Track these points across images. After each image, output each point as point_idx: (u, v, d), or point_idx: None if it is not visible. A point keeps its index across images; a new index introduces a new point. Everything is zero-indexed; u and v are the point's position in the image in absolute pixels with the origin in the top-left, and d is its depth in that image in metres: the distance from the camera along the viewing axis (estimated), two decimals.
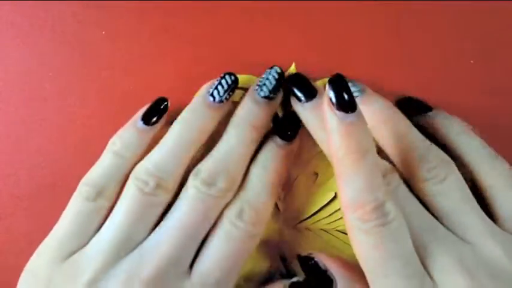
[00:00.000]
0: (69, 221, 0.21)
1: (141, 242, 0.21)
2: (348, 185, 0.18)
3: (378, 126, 0.22)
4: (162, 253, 0.20)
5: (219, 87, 0.22)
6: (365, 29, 0.26)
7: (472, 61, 0.25)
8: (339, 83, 0.18)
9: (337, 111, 0.18)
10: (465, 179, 0.22)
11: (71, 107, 0.26)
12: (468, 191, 0.21)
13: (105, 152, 0.23)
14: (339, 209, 0.25)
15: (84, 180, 0.22)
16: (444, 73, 0.26)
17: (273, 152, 0.22)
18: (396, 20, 0.26)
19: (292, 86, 0.23)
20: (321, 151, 0.24)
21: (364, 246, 0.19)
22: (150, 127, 0.23)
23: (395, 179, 0.21)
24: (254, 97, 0.22)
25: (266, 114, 0.22)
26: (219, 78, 0.23)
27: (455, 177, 0.21)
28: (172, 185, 0.21)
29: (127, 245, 0.20)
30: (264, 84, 0.22)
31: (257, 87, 0.23)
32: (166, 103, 0.24)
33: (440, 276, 0.19)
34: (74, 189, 0.23)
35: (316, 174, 0.25)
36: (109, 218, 0.21)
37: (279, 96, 0.23)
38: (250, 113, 0.22)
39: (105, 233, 0.21)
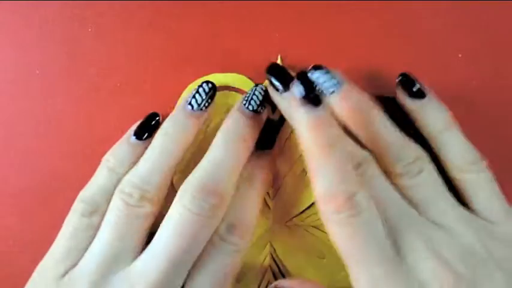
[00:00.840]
0: (66, 238, 0.21)
1: (130, 258, 0.20)
2: (318, 178, 0.19)
3: (354, 120, 0.22)
4: (150, 281, 0.19)
5: (197, 96, 0.23)
6: (354, 23, 0.26)
7: (460, 55, 0.26)
8: (303, 79, 0.19)
9: (303, 106, 0.18)
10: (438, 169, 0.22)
11: (59, 104, 0.26)
12: (441, 183, 0.21)
13: (99, 168, 0.23)
14: None
15: (80, 197, 0.22)
16: (432, 66, 0.26)
17: (257, 163, 0.23)
18: (384, 14, 0.26)
19: (271, 75, 0.22)
20: None
21: (339, 237, 0.19)
22: (142, 142, 0.23)
23: (371, 168, 0.21)
24: (243, 110, 0.22)
25: (255, 128, 0.22)
26: (196, 87, 0.23)
27: (429, 171, 0.21)
28: (158, 197, 0.21)
29: (116, 261, 0.20)
30: (252, 99, 0.23)
31: (244, 101, 0.23)
32: (158, 118, 0.24)
33: (413, 260, 0.19)
34: (62, 188, 0.23)
35: (305, 170, 0.25)
36: (97, 234, 0.21)
37: (265, 113, 0.23)
38: (240, 126, 0.22)
39: (93, 250, 0.21)
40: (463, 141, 0.23)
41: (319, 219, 0.25)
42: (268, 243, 0.26)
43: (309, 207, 0.25)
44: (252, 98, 0.23)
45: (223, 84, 0.25)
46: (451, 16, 0.26)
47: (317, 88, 0.22)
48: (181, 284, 0.20)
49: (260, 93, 0.23)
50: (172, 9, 0.26)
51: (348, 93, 0.22)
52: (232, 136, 0.22)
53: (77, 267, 0.21)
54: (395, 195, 0.21)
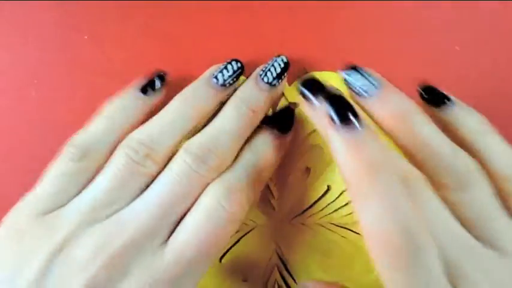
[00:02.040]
0: (51, 180, 0.21)
1: (120, 209, 0.20)
2: (365, 209, 0.16)
3: (396, 126, 0.19)
4: (138, 225, 0.19)
5: (224, 71, 0.22)
6: (352, 19, 0.26)
7: (457, 47, 0.26)
8: (337, 99, 0.17)
9: (341, 128, 0.17)
10: None
11: (58, 113, 0.26)
12: (495, 198, 0.19)
13: (95, 117, 0.22)
14: (333, 202, 0.25)
15: (70, 141, 0.21)
16: (430, 59, 0.26)
17: (268, 140, 0.22)
18: (382, 10, 0.26)
19: (303, 87, 0.19)
20: (312, 145, 0.25)
21: (392, 282, 0.16)
22: (147, 96, 0.23)
23: (425, 190, 0.18)
24: (257, 81, 0.22)
25: (267, 101, 0.22)
26: (225, 63, 0.23)
27: (483, 185, 0.19)
28: (162, 159, 0.21)
29: (106, 210, 0.20)
30: (269, 70, 0.22)
31: (261, 72, 0.22)
32: (165, 76, 0.23)
33: None
34: None
35: (309, 168, 0.25)
36: (93, 181, 0.20)
37: (282, 86, 0.23)
38: (251, 96, 0.22)
39: (86, 194, 0.20)
40: (508, 148, 0.20)
41: (323, 217, 0.25)
42: (274, 242, 0.26)
43: (313, 205, 0.25)
44: (269, 70, 0.22)
45: None
46: (448, 9, 0.26)
47: (354, 90, 0.20)
48: (165, 238, 0.20)
49: (279, 65, 0.23)
50: (168, 12, 0.26)
51: (389, 96, 0.20)
52: (240, 104, 0.21)
53: (64, 208, 0.20)
54: (453, 223, 0.18)
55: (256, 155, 0.22)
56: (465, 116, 0.21)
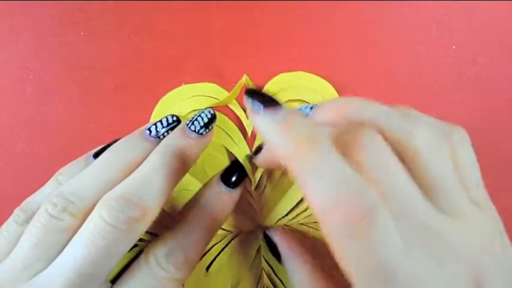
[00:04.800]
0: None
1: (40, 271, 0.19)
2: (315, 186, 0.14)
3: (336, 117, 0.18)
4: None
5: (158, 124, 0.22)
6: (351, 22, 0.25)
7: (453, 46, 0.25)
8: (252, 93, 0.17)
9: (265, 113, 0.16)
10: None
11: (54, 108, 0.26)
12: None
13: (50, 179, 0.22)
14: None
15: (21, 204, 0.21)
16: (428, 59, 0.25)
17: (217, 196, 0.22)
18: (381, 12, 0.25)
19: (250, 97, 0.18)
20: None
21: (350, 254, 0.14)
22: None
23: (371, 148, 0.15)
24: (183, 129, 0.22)
25: (194, 148, 0.21)
26: (160, 118, 0.23)
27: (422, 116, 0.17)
28: (83, 212, 0.19)
29: (28, 270, 0.19)
30: (196, 120, 0.22)
31: (188, 121, 0.22)
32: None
33: None
34: None
35: (285, 172, 0.25)
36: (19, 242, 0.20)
37: (209, 136, 0.22)
38: (175, 142, 0.21)
39: (12, 255, 0.19)
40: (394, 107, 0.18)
41: (306, 216, 0.25)
42: (260, 246, 0.25)
43: (295, 207, 0.25)
44: (196, 119, 0.22)
45: (195, 95, 0.25)
46: (445, 10, 0.26)
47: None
48: None
49: (206, 115, 0.22)
50: (164, 9, 0.26)
51: (322, 104, 0.19)
52: (164, 151, 0.20)
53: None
54: (402, 181, 0.15)
55: (205, 213, 0.21)
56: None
